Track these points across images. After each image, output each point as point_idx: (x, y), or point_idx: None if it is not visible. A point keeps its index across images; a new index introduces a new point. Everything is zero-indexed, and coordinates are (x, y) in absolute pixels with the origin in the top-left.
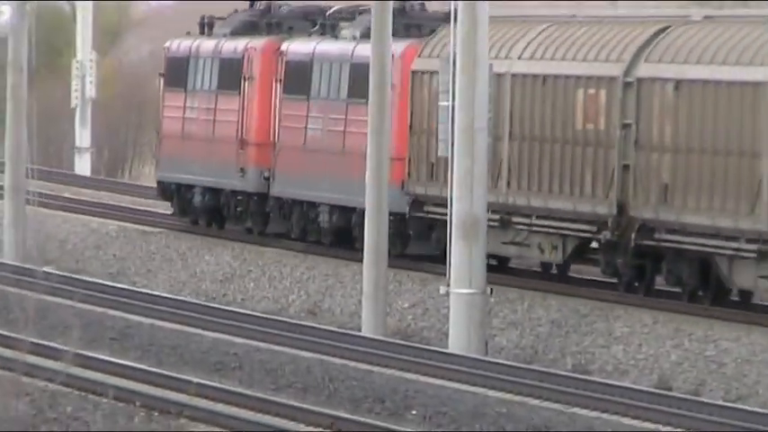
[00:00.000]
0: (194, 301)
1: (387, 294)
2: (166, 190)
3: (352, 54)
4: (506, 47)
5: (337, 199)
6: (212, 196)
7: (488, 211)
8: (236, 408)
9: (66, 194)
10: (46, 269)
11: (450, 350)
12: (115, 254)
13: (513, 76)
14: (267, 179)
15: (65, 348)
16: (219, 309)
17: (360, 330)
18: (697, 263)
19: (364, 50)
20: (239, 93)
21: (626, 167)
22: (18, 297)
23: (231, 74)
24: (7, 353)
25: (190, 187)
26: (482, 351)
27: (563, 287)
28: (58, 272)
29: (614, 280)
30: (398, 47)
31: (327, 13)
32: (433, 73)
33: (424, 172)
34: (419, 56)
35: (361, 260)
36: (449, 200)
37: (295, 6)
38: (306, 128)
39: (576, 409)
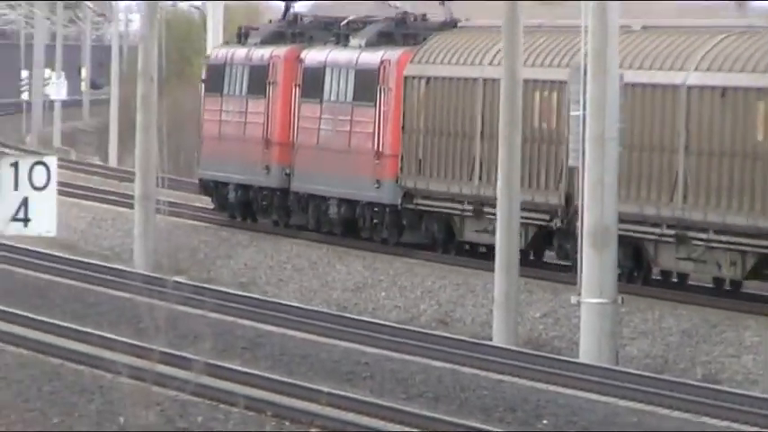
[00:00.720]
0: (325, 310)
1: (518, 304)
2: (206, 187)
3: (357, 61)
4: (681, 58)
5: (344, 193)
6: (243, 192)
7: (663, 226)
8: (367, 417)
9: (197, 203)
10: (177, 279)
11: (580, 360)
12: (246, 263)
13: (690, 88)
14: (288, 175)
15: (195, 358)
16: (350, 318)
17: (491, 340)
18: None
19: (367, 57)
20: (265, 96)
21: None
22: (148, 306)
23: (259, 79)
24: (138, 362)
25: (225, 184)
26: (613, 361)
27: (693, 296)
28: (188, 281)
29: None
30: (394, 54)
31: (342, 24)
32: (421, 78)
33: (413, 168)
34: (411, 62)
35: (492, 269)
36: (580, 209)
37: (318, 17)
38: (319, 128)
39: (705, 419)
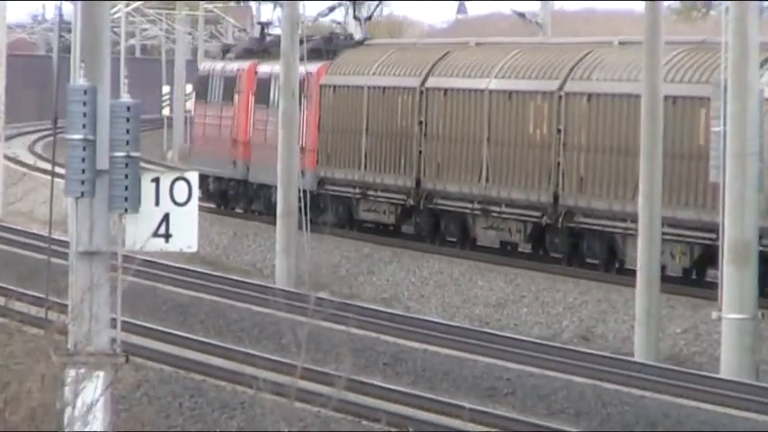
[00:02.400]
0: (467, 326)
1: (659, 320)
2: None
3: None
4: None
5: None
6: (219, 184)
7: None
8: None
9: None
10: (319, 295)
11: (721, 375)
12: (388, 279)
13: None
14: (248, 169)
15: (337, 374)
16: (492, 334)
17: (632, 356)
18: None
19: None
20: (233, 103)
21: None
22: (290, 323)
23: (229, 89)
24: (280, 378)
25: (207, 177)
26: (753, 376)
27: None
28: (331, 297)
29: None
30: (314, 67)
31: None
32: (331, 86)
33: (325, 160)
34: (326, 74)
35: (633, 285)
36: (720, 226)
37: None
38: (266, 129)
39: None
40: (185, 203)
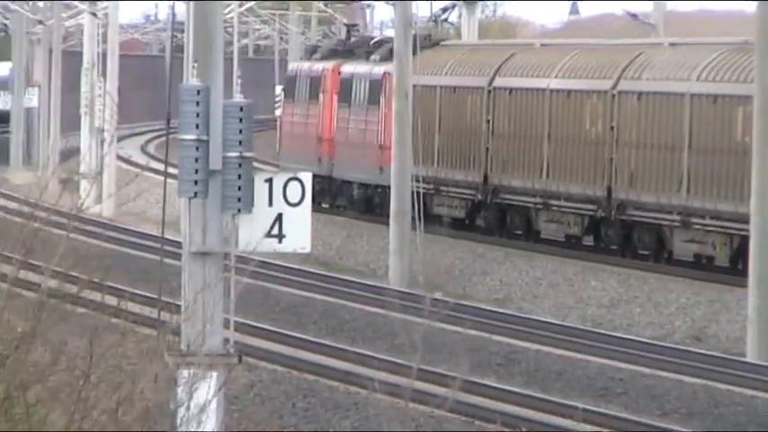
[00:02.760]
0: (580, 326)
1: None
2: None
3: (371, 73)
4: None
5: (362, 178)
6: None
7: None
8: None
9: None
10: (433, 295)
11: None
12: (501, 279)
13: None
14: (332, 165)
15: (452, 374)
16: (605, 334)
17: (744, 356)
18: None
19: (377, 70)
20: (318, 102)
21: None
22: (404, 323)
23: (315, 88)
24: (394, 379)
25: None
26: None
27: None
28: (444, 298)
29: None
30: (389, 67)
31: (371, 42)
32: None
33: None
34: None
35: (746, 285)
36: None
37: (364, 37)
38: (348, 127)
39: None
40: (298, 204)
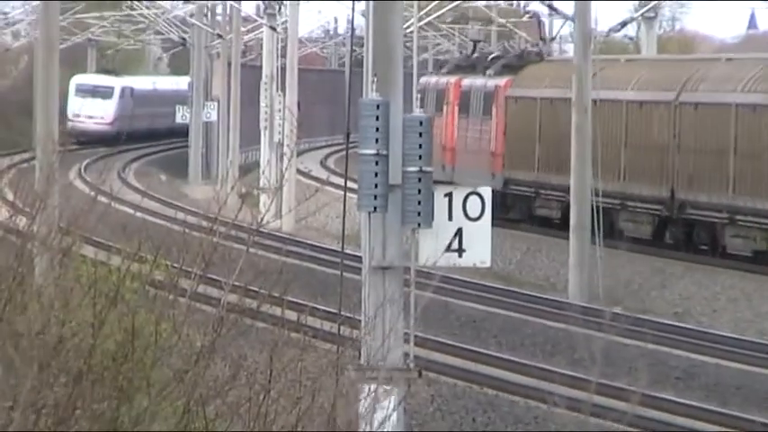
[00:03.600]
0: (760, 341)
1: None
2: None
3: (485, 86)
4: None
5: (474, 183)
6: None
7: None
8: None
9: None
10: (613, 309)
11: None
12: (680, 293)
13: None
14: (453, 172)
15: (631, 388)
16: None
17: None
18: None
19: (491, 83)
20: (443, 113)
21: None
22: (584, 337)
23: (440, 101)
24: (573, 393)
25: None
26: None
27: None
28: (623, 312)
29: None
30: (502, 81)
31: (489, 58)
32: (516, 98)
33: (510, 164)
34: (510, 87)
35: None
36: None
37: (484, 53)
38: (466, 136)
39: None
40: (478, 218)
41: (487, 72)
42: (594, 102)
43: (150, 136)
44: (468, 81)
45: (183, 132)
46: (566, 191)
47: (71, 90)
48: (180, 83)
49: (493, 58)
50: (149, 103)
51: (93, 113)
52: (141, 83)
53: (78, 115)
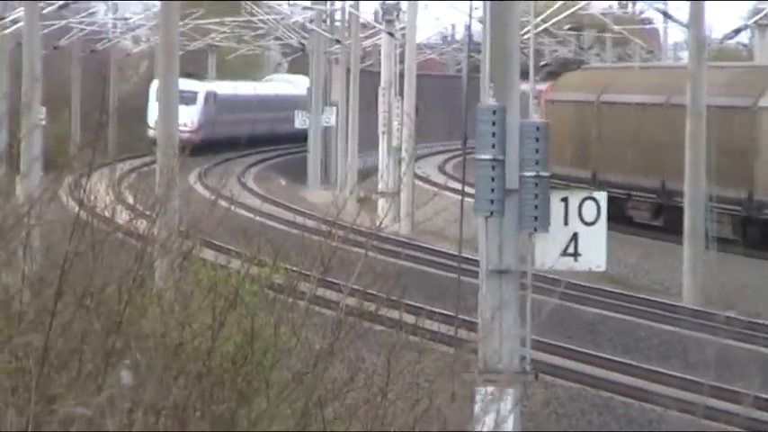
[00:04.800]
0: None
1: None
2: None
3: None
4: None
5: None
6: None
7: None
8: None
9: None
10: (727, 313)
11: None
12: None
13: None
14: None
15: (744, 391)
16: None
17: None
18: None
19: (538, 87)
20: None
21: None
22: (697, 341)
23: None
24: (688, 396)
25: None
26: None
27: None
28: (738, 316)
29: None
30: (544, 85)
31: (540, 65)
32: (555, 101)
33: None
34: (552, 91)
35: None
36: None
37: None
38: None
39: None
40: (594, 223)
41: (535, 78)
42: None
43: (251, 143)
44: (524, 86)
45: (302, 137)
46: (590, 183)
47: (152, 94)
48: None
49: (542, 66)
50: (241, 109)
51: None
52: (230, 88)
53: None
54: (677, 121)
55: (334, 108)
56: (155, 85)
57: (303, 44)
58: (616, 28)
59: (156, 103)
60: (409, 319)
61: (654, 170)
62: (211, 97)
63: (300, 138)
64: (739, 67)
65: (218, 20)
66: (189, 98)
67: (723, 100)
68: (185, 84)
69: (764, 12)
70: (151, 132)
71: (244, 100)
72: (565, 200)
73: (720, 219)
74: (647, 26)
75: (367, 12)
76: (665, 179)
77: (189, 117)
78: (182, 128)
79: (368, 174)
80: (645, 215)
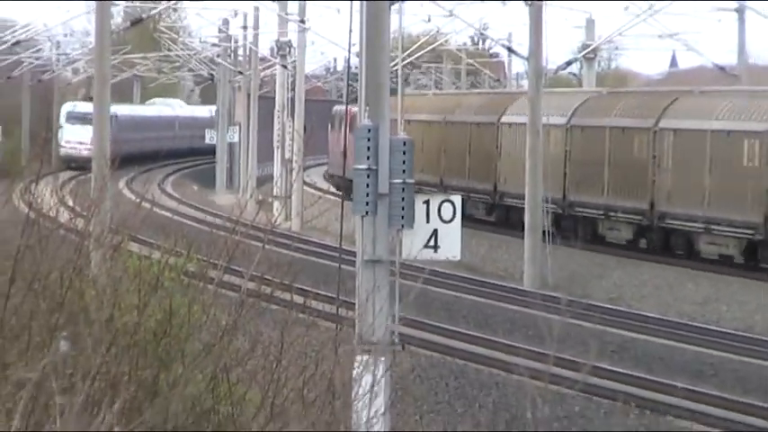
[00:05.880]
0: (677, 320)
1: None
2: None
3: None
4: None
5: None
6: None
7: None
8: (711, 407)
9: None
10: (557, 294)
11: None
12: (615, 282)
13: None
14: None
15: (580, 360)
16: (698, 326)
17: None
18: None
19: None
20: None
21: None
22: (537, 318)
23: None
24: (531, 364)
25: None
26: None
27: None
28: (567, 296)
29: None
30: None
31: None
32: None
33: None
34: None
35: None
36: None
37: None
38: None
39: None
40: (450, 221)
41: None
42: (674, 131)
43: (144, 158)
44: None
45: (211, 151)
46: (438, 187)
47: (62, 117)
48: (205, 111)
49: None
50: (136, 129)
51: (84, 140)
52: (127, 110)
53: (69, 141)
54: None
55: (237, 126)
56: (64, 108)
57: (212, 74)
58: (469, 61)
59: (67, 124)
60: (299, 299)
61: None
62: (113, 119)
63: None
64: (491, 93)
65: (142, 55)
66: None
67: (478, 117)
68: (88, 107)
69: (590, 47)
70: (62, 150)
71: (141, 120)
72: (427, 202)
73: (726, 242)
74: (495, 59)
75: (264, 48)
76: (567, 192)
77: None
78: (89, 147)
79: (265, 180)
80: (481, 212)
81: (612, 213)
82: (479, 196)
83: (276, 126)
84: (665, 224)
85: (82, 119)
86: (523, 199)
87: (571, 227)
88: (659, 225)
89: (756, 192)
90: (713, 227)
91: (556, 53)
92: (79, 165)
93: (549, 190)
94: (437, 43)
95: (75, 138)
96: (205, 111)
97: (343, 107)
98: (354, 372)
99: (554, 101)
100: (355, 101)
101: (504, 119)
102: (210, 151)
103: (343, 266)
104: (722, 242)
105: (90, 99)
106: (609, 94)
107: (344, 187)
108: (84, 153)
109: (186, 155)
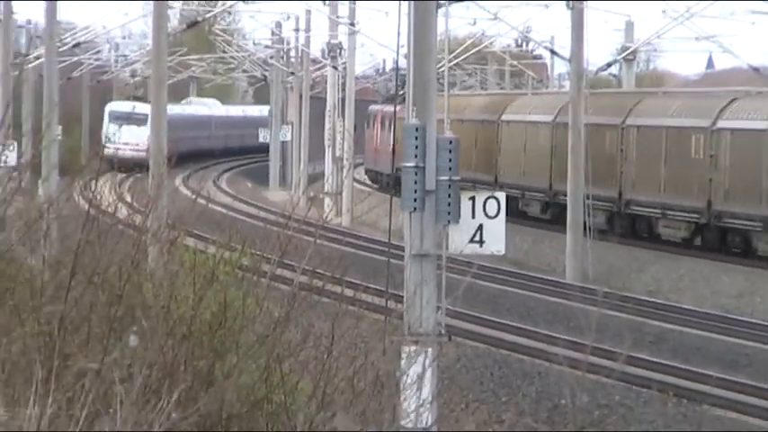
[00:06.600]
0: (714, 312)
1: None
2: None
3: None
4: None
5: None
6: None
7: None
8: (747, 396)
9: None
10: (599, 288)
11: None
12: (653, 276)
13: None
14: None
15: (618, 350)
16: (734, 319)
17: None
18: None
19: None
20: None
21: None
22: (577, 310)
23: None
24: (572, 354)
25: None
26: None
27: None
28: (609, 290)
29: None
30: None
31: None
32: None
33: None
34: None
35: None
36: None
37: None
38: None
39: None
40: (495, 216)
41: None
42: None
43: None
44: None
45: (264, 150)
46: (492, 185)
47: (105, 117)
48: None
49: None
50: (185, 128)
51: (129, 140)
52: (177, 109)
53: (114, 142)
54: (564, 135)
55: (290, 126)
56: (108, 107)
57: (265, 75)
58: (513, 62)
59: (110, 124)
60: (349, 293)
61: (542, 174)
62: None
63: (220, 153)
64: (487, 94)
65: (198, 56)
66: (140, 120)
67: (480, 115)
68: (136, 107)
69: (630, 49)
70: (106, 150)
71: (191, 120)
72: (472, 198)
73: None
74: (538, 61)
75: (315, 49)
76: (552, 181)
77: (140, 137)
78: (134, 147)
79: (316, 178)
80: (536, 210)
81: (669, 212)
82: (533, 194)
83: (327, 125)
84: (722, 223)
85: (126, 119)
86: (582, 197)
87: (628, 225)
88: (716, 224)
89: None
90: None
91: (596, 55)
92: (126, 165)
93: (604, 188)
94: (482, 45)
95: (121, 138)
96: (255, 110)
97: (377, 107)
98: (402, 362)
99: (606, 101)
100: (403, 101)
101: (558, 119)
102: (258, 150)
103: (391, 260)
104: None
105: (137, 99)
106: (664, 95)
107: (377, 181)
108: (131, 154)
109: (236, 153)
